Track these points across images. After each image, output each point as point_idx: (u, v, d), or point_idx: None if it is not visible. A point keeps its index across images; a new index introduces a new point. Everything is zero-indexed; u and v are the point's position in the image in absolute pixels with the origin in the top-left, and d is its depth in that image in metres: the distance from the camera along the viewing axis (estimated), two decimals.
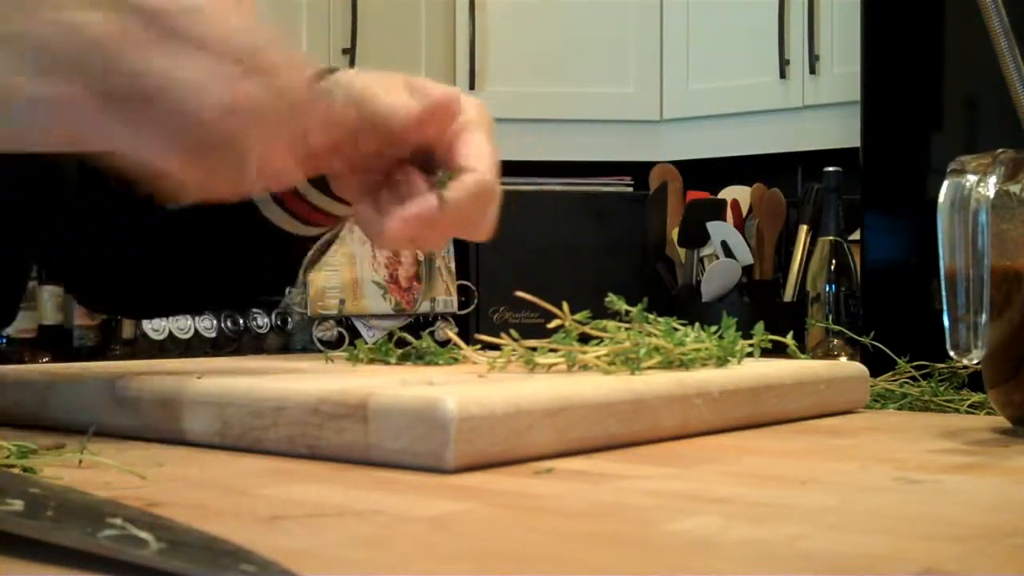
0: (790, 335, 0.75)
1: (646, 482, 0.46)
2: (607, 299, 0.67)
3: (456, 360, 0.74)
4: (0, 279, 0.86)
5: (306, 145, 0.55)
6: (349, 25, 2.64)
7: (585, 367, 0.62)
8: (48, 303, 2.38)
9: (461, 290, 1.14)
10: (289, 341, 2.72)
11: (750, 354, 0.71)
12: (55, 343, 2.36)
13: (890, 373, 0.85)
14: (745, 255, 2.39)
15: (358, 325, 1.09)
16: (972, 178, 0.56)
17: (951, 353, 0.56)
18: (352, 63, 2.57)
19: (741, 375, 0.63)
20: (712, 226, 2.40)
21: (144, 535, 0.32)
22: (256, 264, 0.81)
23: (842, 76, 2.56)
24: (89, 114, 0.49)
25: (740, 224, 2.47)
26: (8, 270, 0.88)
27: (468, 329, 2.30)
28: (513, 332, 0.63)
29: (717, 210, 2.44)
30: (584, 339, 0.65)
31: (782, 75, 2.70)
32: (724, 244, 2.39)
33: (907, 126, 2.19)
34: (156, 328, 2.48)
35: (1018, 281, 0.58)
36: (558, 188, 2.74)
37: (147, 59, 0.49)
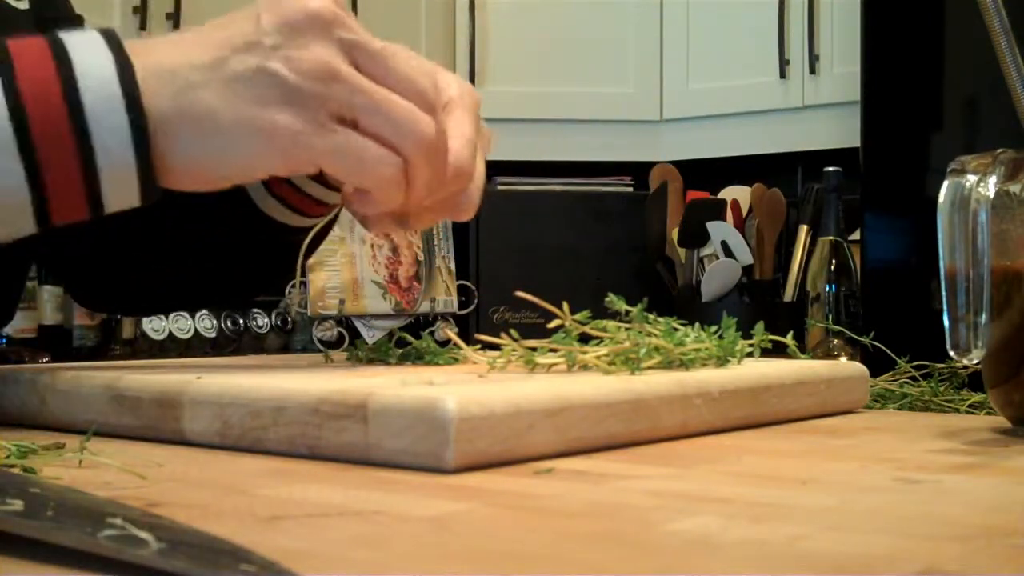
0: (790, 335, 0.75)
1: (646, 482, 0.46)
2: (607, 299, 0.67)
3: (456, 360, 0.74)
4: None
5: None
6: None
7: (585, 367, 0.62)
8: (48, 303, 2.38)
9: (461, 290, 1.14)
10: (289, 341, 2.72)
11: (750, 354, 0.71)
12: (55, 343, 2.36)
13: (890, 373, 0.85)
14: (745, 255, 2.39)
15: (358, 325, 1.09)
16: (972, 178, 0.56)
17: (951, 353, 0.56)
18: None
19: (741, 375, 0.63)
20: (712, 226, 2.40)
21: (144, 535, 0.32)
22: (253, 257, 0.81)
23: (842, 76, 2.56)
24: (306, 140, 0.56)
25: (740, 224, 2.47)
26: (7, 269, 0.88)
27: (468, 329, 2.30)
28: (513, 332, 0.63)
29: (717, 210, 2.44)
30: (584, 339, 0.65)
31: (782, 75, 2.71)
32: (724, 244, 2.39)
33: (907, 126, 2.19)
34: (156, 328, 2.48)
35: (1018, 281, 0.58)
36: (558, 188, 2.75)
37: (360, 90, 0.56)
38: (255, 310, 2.67)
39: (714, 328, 0.69)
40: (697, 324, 0.69)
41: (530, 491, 0.44)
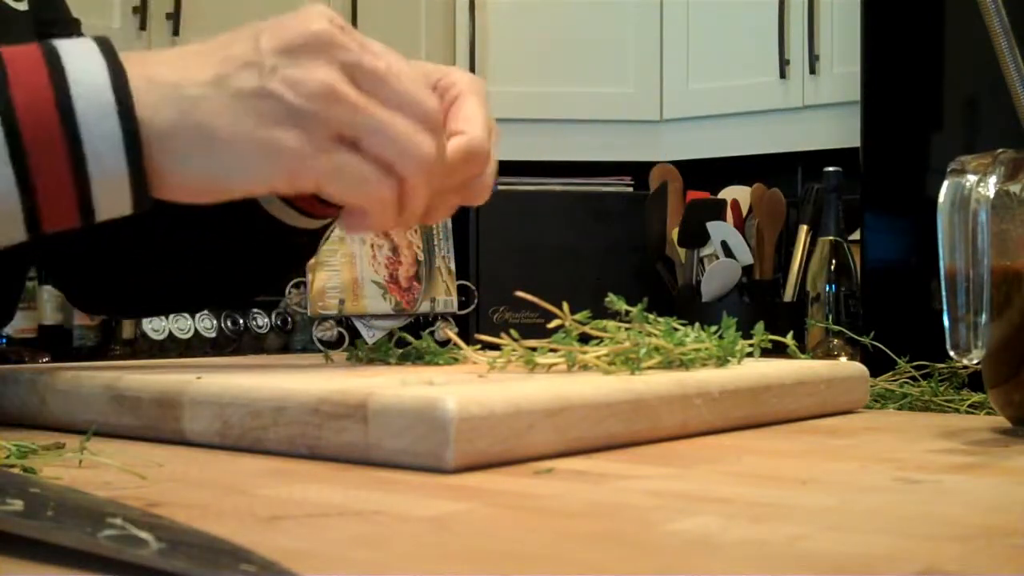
0: (790, 335, 0.75)
1: (646, 482, 0.46)
2: (607, 299, 0.67)
3: (456, 360, 0.74)
4: None
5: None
6: (349, 25, 2.64)
7: (585, 367, 0.62)
8: (48, 303, 2.38)
9: (461, 290, 1.14)
10: (289, 341, 2.72)
11: (750, 354, 0.71)
12: (55, 343, 2.36)
13: (890, 373, 0.85)
14: (745, 255, 2.39)
15: (358, 325, 1.09)
16: (972, 178, 0.56)
17: (951, 353, 0.56)
18: None
19: (741, 375, 0.63)
20: (712, 226, 2.40)
21: (144, 535, 0.32)
22: (257, 258, 0.81)
23: (842, 76, 2.56)
24: (306, 159, 0.56)
25: (740, 224, 2.47)
26: (6, 270, 0.88)
27: (468, 329, 2.30)
28: (513, 332, 0.63)
29: (717, 210, 2.44)
30: (584, 339, 0.65)
31: (782, 75, 2.70)
32: (724, 244, 2.39)
33: (907, 126, 2.19)
34: (156, 328, 2.48)
35: (1018, 281, 0.58)
36: (558, 188, 2.75)
37: (361, 110, 0.56)
38: (255, 310, 2.67)
39: (714, 328, 0.69)
40: (697, 324, 0.69)
41: (530, 491, 0.44)
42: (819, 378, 0.69)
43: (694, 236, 2.42)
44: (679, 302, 2.41)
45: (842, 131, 2.54)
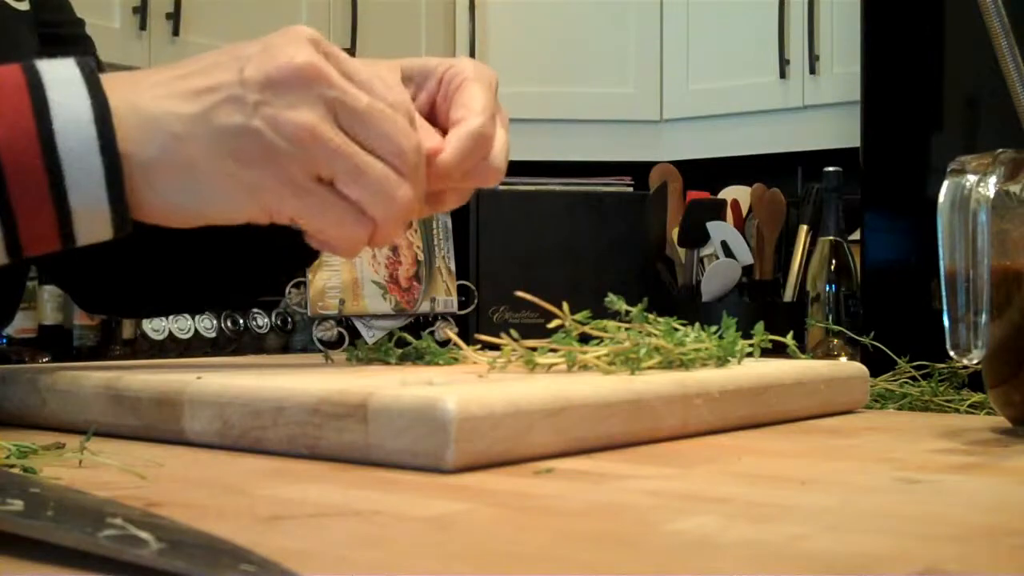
0: (790, 335, 0.75)
1: (646, 482, 0.46)
2: (607, 299, 0.67)
3: (456, 360, 0.74)
4: None
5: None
6: (349, 25, 2.64)
7: (585, 367, 0.62)
8: (48, 303, 2.38)
9: (461, 290, 1.14)
10: (289, 341, 2.72)
11: (750, 354, 0.71)
12: (55, 343, 2.36)
13: (890, 373, 0.85)
14: (745, 255, 2.39)
15: (358, 325, 1.09)
16: (972, 178, 0.56)
17: (951, 353, 0.56)
18: None
19: (741, 375, 0.63)
20: (712, 226, 2.40)
21: (144, 535, 0.32)
22: (262, 259, 0.81)
23: (842, 76, 2.56)
24: (283, 197, 0.57)
25: (740, 224, 2.47)
26: (6, 271, 0.88)
27: (468, 329, 2.30)
28: (513, 332, 0.63)
29: (717, 210, 2.44)
30: (584, 339, 0.65)
31: (782, 75, 2.70)
32: (724, 244, 2.39)
33: (907, 126, 2.19)
34: (156, 328, 2.48)
35: (1018, 281, 0.58)
36: (558, 188, 2.74)
37: (340, 153, 0.56)
38: (255, 310, 2.67)
39: (714, 328, 0.69)
40: (697, 324, 0.69)
41: (530, 491, 0.43)
42: (819, 378, 0.69)
43: (694, 236, 2.42)
44: (679, 302, 2.41)
45: (842, 131, 2.54)
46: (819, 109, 2.67)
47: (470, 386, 0.53)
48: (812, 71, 2.66)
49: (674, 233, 2.49)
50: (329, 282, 1.10)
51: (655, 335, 0.65)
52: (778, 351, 0.75)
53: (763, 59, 2.73)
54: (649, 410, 0.56)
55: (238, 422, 0.54)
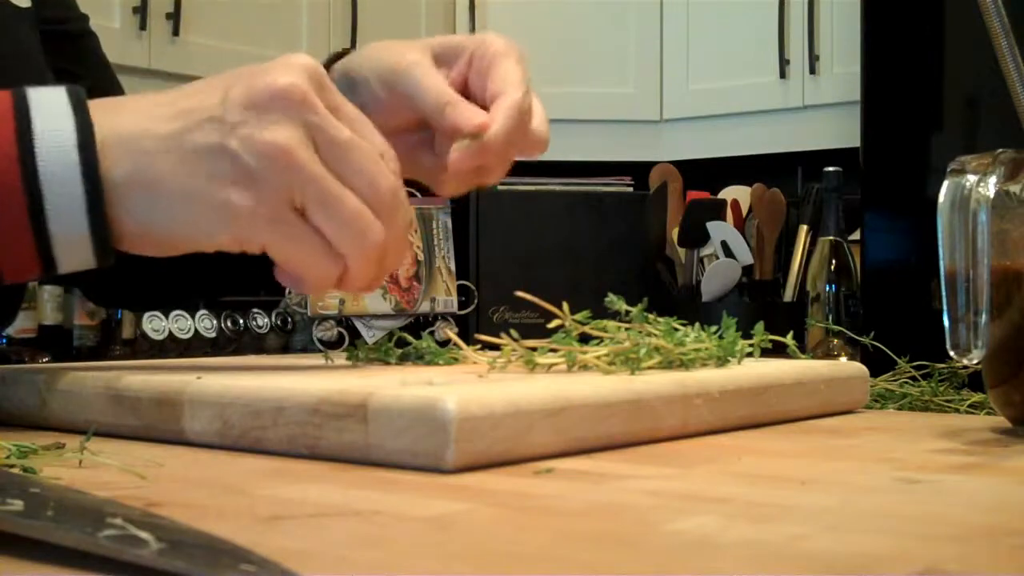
0: (790, 335, 0.75)
1: (646, 482, 0.46)
2: (607, 299, 0.67)
3: (456, 360, 0.74)
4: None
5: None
6: (349, 25, 2.64)
7: (585, 367, 0.62)
8: (48, 303, 2.38)
9: (461, 290, 1.14)
10: (289, 341, 2.72)
11: (750, 354, 0.71)
12: (55, 343, 2.36)
13: (890, 373, 0.85)
14: (745, 255, 2.39)
15: (358, 325, 1.09)
16: (972, 178, 0.56)
17: (951, 353, 0.56)
18: None
19: (741, 375, 0.63)
20: (712, 226, 2.40)
21: (144, 535, 0.32)
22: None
23: (842, 76, 2.56)
24: (254, 224, 0.56)
25: (740, 224, 2.47)
26: None
27: (468, 329, 2.30)
28: (513, 332, 0.63)
29: (717, 210, 2.44)
30: (584, 339, 0.65)
31: (782, 75, 2.71)
32: (724, 244, 2.39)
33: (907, 126, 2.19)
34: (156, 328, 2.48)
35: (1018, 281, 0.58)
36: (558, 188, 2.74)
37: (313, 180, 0.55)
38: (255, 310, 2.67)
39: (714, 328, 0.69)
40: (697, 324, 0.69)
41: (530, 491, 0.44)
42: (819, 378, 0.69)
43: (694, 236, 2.42)
44: (679, 302, 2.41)
45: (842, 131, 2.54)
46: (819, 109, 2.67)
47: (470, 386, 0.53)
48: (812, 71, 2.67)
49: (674, 233, 2.49)
50: None
51: (655, 335, 0.65)
52: (778, 351, 0.75)
53: (763, 59, 2.73)
54: (649, 410, 0.56)
55: (238, 422, 0.54)
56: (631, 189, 2.82)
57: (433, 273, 1.14)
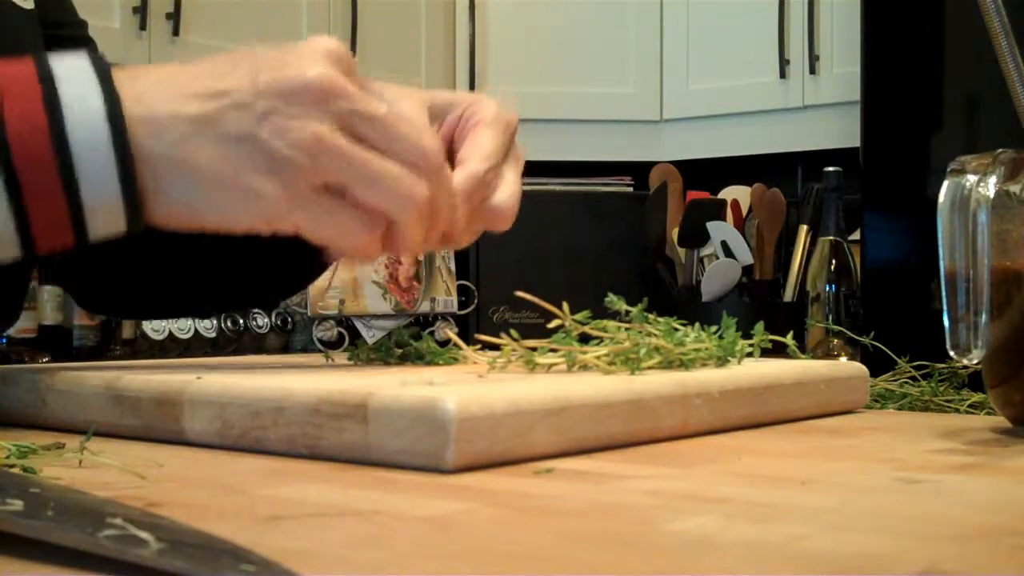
0: (790, 335, 0.75)
1: (646, 482, 0.46)
2: (607, 299, 0.67)
3: (456, 360, 0.74)
4: (3, 280, 0.85)
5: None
6: (349, 25, 2.64)
7: (585, 367, 0.62)
8: (48, 303, 2.38)
9: (461, 290, 1.14)
10: (289, 341, 2.72)
11: (750, 354, 0.71)
12: (55, 343, 2.36)
13: (890, 373, 0.85)
14: (745, 255, 2.39)
15: (358, 325, 1.09)
16: (972, 178, 0.56)
17: (951, 353, 0.56)
18: None
19: (741, 375, 0.63)
20: (712, 226, 2.40)
21: (144, 535, 0.32)
22: (273, 267, 0.81)
23: (842, 76, 2.56)
24: (286, 208, 0.57)
25: (740, 224, 2.47)
26: (11, 271, 0.88)
27: (468, 329, 2.30)
28: (513, 332, 0.63)
29: (717, 210, 2.44)
30: (584, 339, 0.65)
31: (782, 75, 2.70)
32: (724, 244, 2.39)
33: (907, 126, 2.19)
34: (156, 328, 2.48)
35: (1018, 281, 0.58)
36: (558, 188, 2.75)
37: (350, 159, 0.56)
38: (255, 310, 2.67)
39: (714, 328, 0.69)
40: (697, 324, 0.69)
41: (530, 491, 0.44)
42: (819, 378, 0.69)
43: (694, 236, 2.43)
44: (679, 302, 2.41)
45: (842, 131, 2.54)
46: (819, 109, 2.67)
47: (470, 386, 0.53)
48: (812, 71, 2.67)
49: (674, 233, 2.49)
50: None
51: (655, 335, 0.65)
52: (778, 351, 0.75)
53: (763, 59, 2.73)
54: (649, 410, 0.56)
55: (238, 422, 0.54)
56: (631, 189, 2.82)
57: (433, 273, 1.13)
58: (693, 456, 0.53)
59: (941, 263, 0.56)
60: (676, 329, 0.67)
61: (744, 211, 2.50)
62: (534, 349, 0.63)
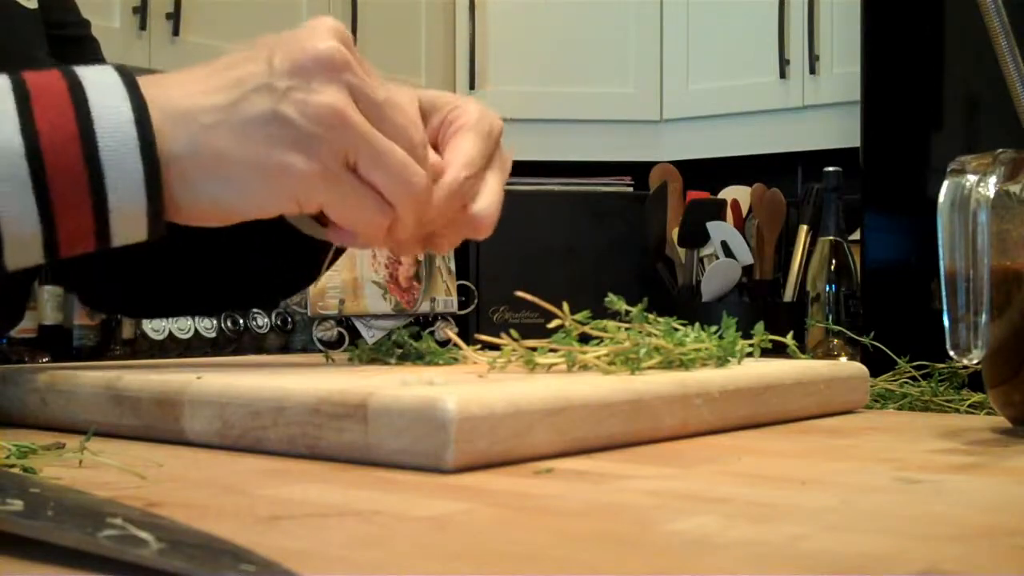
0: (790, 335, 0.75)
1: (646, 482, 0.46)
2: (607, 299, 0.67)
3: (456, 360, 0.74)
4: (8, 280, 0.85)
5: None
6: (349, 25, 2.64)
7: (585, 367, 0.62)
8: (48, 303, 2.38)
9: (461, 290, 1.14)
10: (289, 341, 2.72)
11: (750, 354, 0.71)
12: (55, 343, 2.36)
13: (890, 373, 0.85)
14: (745, 255, 2.39)
15: (358, 325, 1.09)
16: (972, 178, 0.56)
17: (951, 353, 0.56)
18: None
19: (741, 375, 0.63)
20: (712, 226, 2.40)
21: (144, 535, 0.32)
22: (276, 267, 0.81)
23: (842, 76, 2.56)
24: (314, 184, 0.58)
25: (740, 224, 2.47)
26: (20, 273, 0.88)
27: (468, 329, 2.30)
28: (513, 332, 0.63)
29: (717, 210, 2.44)
30: (584, 339, 0.65)
31: (782, 75, 2.71)
32: (724, 244, 2.39)
33: (907, 126, 2.19)
34: (156, 328, 2.48)
35: (1018, 281, 0.58)
36: (558, 188, 2.75)
37: (366, 137, 0.58)
38: (255, 310, 2.67)
39: (714, 328, 0.69)
40: (697, 324, 0.69)
41: (530, 491, 0.44)
42: (819, 378, 0.69)
43: (694, 236, 2.43)
44: (679, 302, 2.41)
45: (842, 131, 2.54)
46: (819, 109, 2.67)
47: (470, 386, 0.53)
48: (812, 71, 2.67)
49: (674, 233, 2.49)
50: (329, 282, 1.10)
51: (655, 335, 0.65)
52: (778, 351, 0.75)
53: (763, 59, 2.73)
54: (649, 410, 0.56)
55: (238, 422, 0.54)
56: (631, 189, 2.82)
57: (433, 273, 1.14)
58: (693, 456, 0.53)
59: (941, 263, 0.56)
60: (676, 329, 0.67)
61: (744, 211, 2.50)
62: (534, 349, 0.63)
